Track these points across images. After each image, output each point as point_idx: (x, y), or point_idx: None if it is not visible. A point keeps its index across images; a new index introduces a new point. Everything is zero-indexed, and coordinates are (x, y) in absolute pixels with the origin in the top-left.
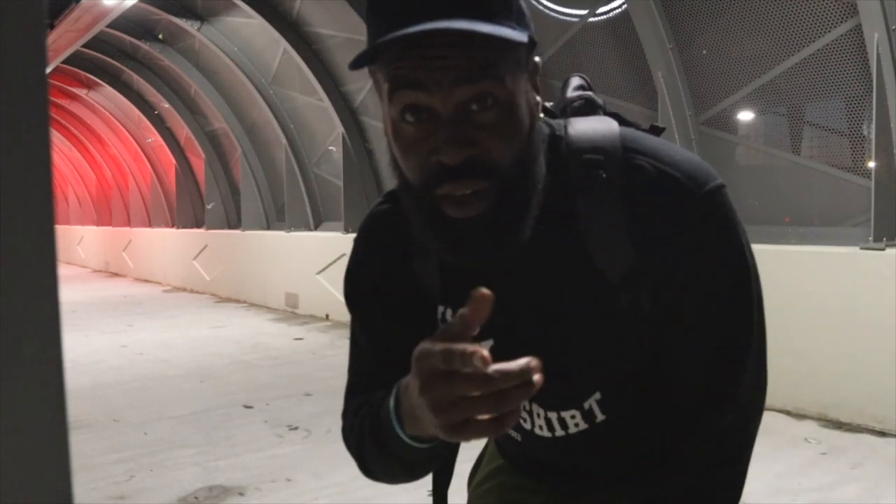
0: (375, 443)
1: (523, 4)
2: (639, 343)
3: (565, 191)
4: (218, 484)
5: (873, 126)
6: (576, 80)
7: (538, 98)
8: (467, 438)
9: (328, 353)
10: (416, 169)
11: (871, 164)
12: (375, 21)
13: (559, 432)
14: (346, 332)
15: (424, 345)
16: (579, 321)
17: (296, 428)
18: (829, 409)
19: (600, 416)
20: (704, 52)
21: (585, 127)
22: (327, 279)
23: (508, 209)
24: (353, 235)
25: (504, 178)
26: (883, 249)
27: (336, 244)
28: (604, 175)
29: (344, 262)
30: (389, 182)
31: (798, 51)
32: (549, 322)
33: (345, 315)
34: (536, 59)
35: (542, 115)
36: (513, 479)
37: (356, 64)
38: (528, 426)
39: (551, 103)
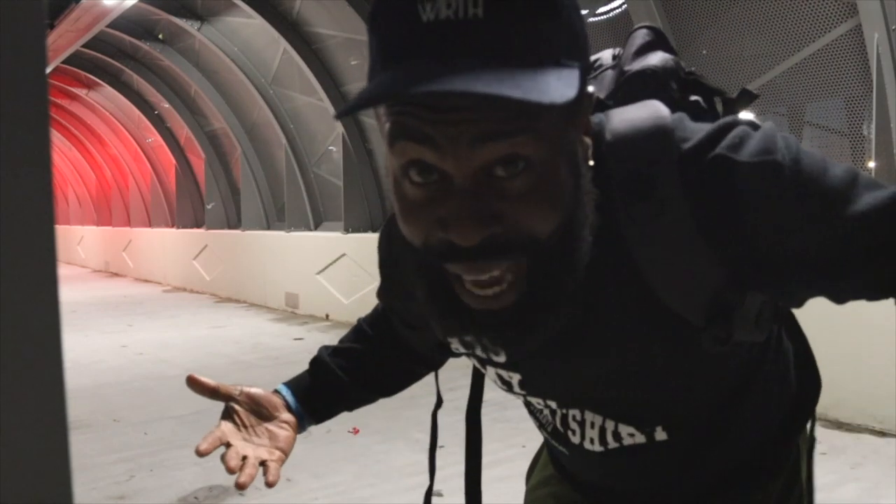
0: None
1: (574, 14)
2: (718, 376)
3: (612, 219)
4: (218, 484)
5: (873, 126)
6: (639, 38)
7: (588, 140)
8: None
9: None
10: (418, 237)
11: (871, 164)
12: (376, 43)
13: (612, 444)
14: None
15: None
16: (639, 370)
17: None
18: (829, 409)
19: (662, 436)
20: (704, 52)
21: (625, 126)
22: (327, 279)
23: (541, 298)
24: (353, 235)
25: (537, 255)
26: None
27: (336, 244)
28: (659, 192)
29: (344, 263)
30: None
31: (798, 51)
32: (598, 369)
33: (345, 315)
34: (591, 89)
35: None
36: (567, 493)
37: (342, 114)
38: (576, 440)
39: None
